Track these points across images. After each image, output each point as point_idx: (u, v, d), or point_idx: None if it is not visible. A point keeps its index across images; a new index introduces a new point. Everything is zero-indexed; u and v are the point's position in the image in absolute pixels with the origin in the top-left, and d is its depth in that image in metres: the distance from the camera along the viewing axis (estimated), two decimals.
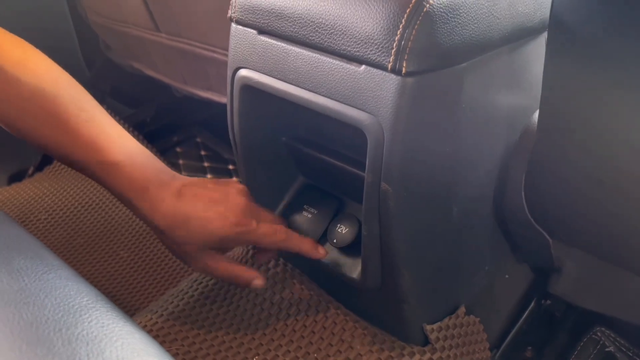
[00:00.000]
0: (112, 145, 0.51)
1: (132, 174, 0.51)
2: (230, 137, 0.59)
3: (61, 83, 0.53)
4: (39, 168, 1.12)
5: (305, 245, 0.57)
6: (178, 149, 1.18)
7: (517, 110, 0.56)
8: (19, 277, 0.33)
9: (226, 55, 0.78)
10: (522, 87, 0.56)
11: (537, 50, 0.55)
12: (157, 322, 0.61)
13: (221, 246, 0.56)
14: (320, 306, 0.62)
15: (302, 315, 0.61)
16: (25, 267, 0.34)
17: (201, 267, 0.56)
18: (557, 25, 0.44)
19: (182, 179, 0.54)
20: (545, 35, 0.56)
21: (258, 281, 0.57)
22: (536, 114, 0.58)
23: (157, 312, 0.63)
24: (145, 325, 0.61)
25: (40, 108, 0.51)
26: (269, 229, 0.54)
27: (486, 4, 0.45)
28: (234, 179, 0.57)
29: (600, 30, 0.42)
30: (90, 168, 0.52)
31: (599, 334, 0.68)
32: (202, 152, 1.17)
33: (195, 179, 0.56)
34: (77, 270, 0.43)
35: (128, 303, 0.83)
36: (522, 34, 0.51)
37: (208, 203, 0.52)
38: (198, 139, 1.20)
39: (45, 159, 1.13)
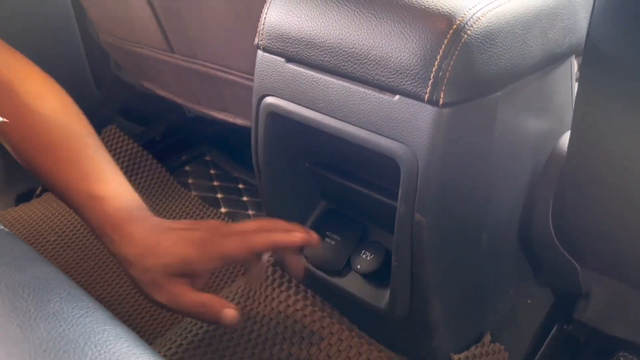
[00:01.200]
0: (105, 183, 0.53)
1: (116, 208, 0.52)
2: (254, 162, 0.59)
3: (74, 121, 0.56)
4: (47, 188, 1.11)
5: (294, 237, 0.50)
6: (187, 168, 1.16)
7: (544, 135, 0.56)
8: (56, 321, 0.32)
9: (242, 78, 0.77)
10: (549, 111, 0.55)
11: (563, 74, 0.55)
12: (176, 352, 0.60)
13: (186, 271, 0.49)
14: (343, 335, 0.60)
15: (325, 344, 0.60)
16: (62, 309, 0.33)
17: (166, 297, 0.49)
18: (592, 51, 0.44)
19: (162, 219, 0.53)
20: (571, 59, 0.56)
21: (230, 311, 0.48)
22: (562, 138, 0.57)
23: (176, 341, 0.61)
24: (165, 355, 0.60)
25: (47, 138, 0.54)
26: (234, 234, 0.49)
27: (520, 33, 0.45)
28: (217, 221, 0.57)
29: (637, 55, 0.42)
30: (78, 199, 0.53)
31: (622, 359, 0.67)
32: (212, 171, 1.15)
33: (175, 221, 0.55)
34: (89, 292, 0.41)
35: (142, 328, 0.81)
36: (551, 60, 0.51)
37: (180, 232, 0.51)
38: (208, 158, 1.18)
39: None
